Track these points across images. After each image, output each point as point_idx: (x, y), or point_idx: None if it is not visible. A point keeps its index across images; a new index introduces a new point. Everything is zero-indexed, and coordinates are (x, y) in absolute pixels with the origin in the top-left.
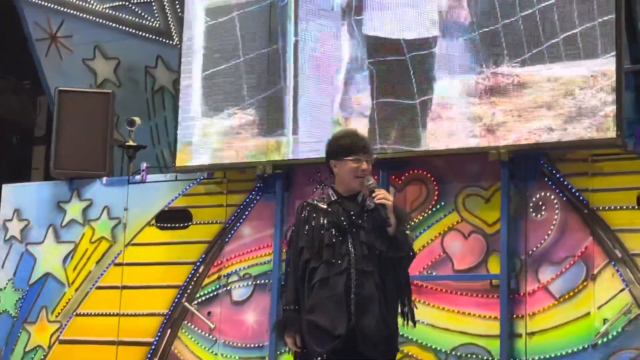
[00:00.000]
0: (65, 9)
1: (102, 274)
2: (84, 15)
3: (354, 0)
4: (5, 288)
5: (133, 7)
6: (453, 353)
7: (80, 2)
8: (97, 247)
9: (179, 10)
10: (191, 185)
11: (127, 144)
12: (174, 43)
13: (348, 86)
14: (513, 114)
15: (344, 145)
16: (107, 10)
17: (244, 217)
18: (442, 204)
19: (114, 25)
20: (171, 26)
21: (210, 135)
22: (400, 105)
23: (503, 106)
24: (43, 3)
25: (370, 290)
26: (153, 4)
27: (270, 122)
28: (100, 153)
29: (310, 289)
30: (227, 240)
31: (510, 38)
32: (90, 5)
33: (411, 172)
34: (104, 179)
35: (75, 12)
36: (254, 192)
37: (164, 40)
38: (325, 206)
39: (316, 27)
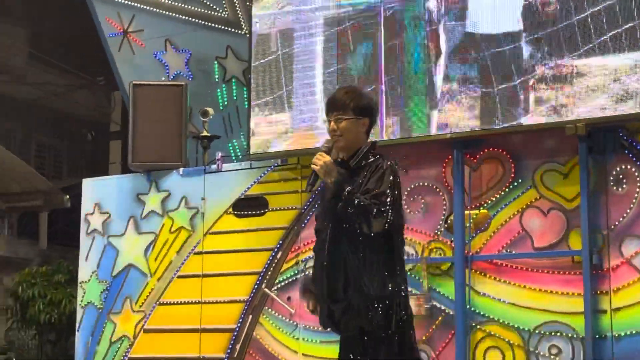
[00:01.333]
0: (136, 4)
1: (182, 263)
2: (154, 9)
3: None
4: (89, 280)
5: None
6: (537, 331)
7: None
8: (176, 237)
9: (247, 0)
10: (266, 172)
11: (201, 134)
12: (243, 32)
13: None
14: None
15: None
16: (176, 3)
17: (319, 202)
18: (520, 181)
19: (183, 17)
20: (240, 16)
21: (291, 124)
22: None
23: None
24: None
25: (338, 256)
26: None
27: None
28: (175, 144)
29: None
30: (303, 225)
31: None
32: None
33: (486, 150)
34: (181, 169)
35: (145, 7)
36: None
37: (233, 30)
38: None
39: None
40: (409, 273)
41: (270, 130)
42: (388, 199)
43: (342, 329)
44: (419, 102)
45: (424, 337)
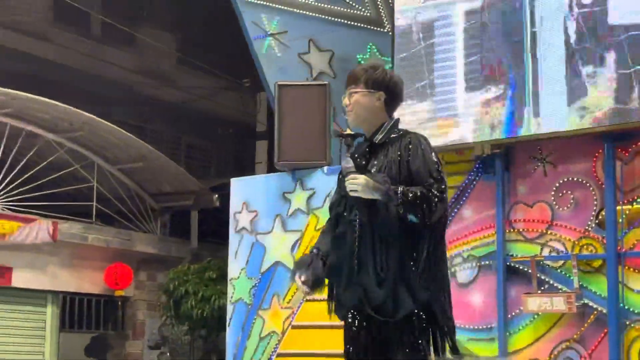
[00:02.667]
0: (280, 6)
1: None
2: (297, 11)
3: None
4: (239, 277)
5: None
6: None
7: None
8: None
9: None
10: None
11: (345, 132)
12: (386, 30)
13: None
14: None
15: None
16: (319, 4)
17: (464, 198)
18: None
19: (326, 17)
20: (382, 13)
21: (426, 117)
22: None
23: None
24: (259, 2)
25: (369, 243)
26: None
27: (486, 101)
28: (320, 143)
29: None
30: (448, 222)
31: None
32: (303, 0)
33: (638, 143)
34: (325, 168)
35: (288, 8)
36: (472, 173)
37: (375, 28)
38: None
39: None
40: (558, 270)
41: (412, 119)
42: (443, 185)
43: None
44: (566, 93)
45: (575, 336)
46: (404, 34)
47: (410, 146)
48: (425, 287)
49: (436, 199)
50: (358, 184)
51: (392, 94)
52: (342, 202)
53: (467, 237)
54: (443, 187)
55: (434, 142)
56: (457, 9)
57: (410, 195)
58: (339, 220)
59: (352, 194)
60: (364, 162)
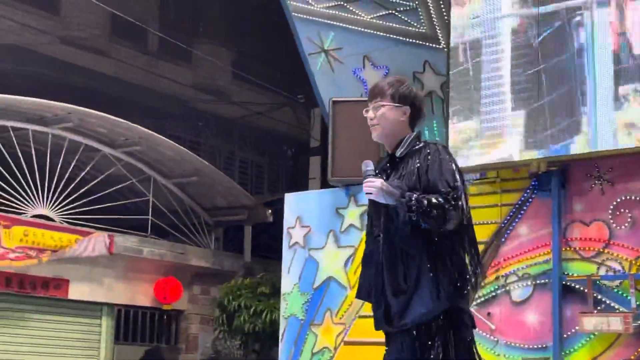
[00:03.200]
0: (335, 22)
1: None
2: (353, 27)
3: None
4: (291, 292)
5: (399, 15)
6: None
7: (349, 15)
8: None
9: (444, 14)
10: None
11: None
12: (441, 47)
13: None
14: None
15: None
16: (374, 20)
17: (520, 216)
18: None
19: (381, 34)
20: (437, 30)
21: (481, 135)
22: None
23: None
24: (314, 18)
25: (391, 257)
26: (419, 10)
27: (543, 121)
28: (373, 159)
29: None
30: (503, 240)
31: None
32: (359, 17)
33: None
34: None
35: (344, 25)
36: (528, 190)
37: (430, 44)
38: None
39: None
40: (615, 290)
41: (460, 138)
42: (459, 192)
43: (396, 324)
44: (621, 112)
45: (632, 357)
46: (455, 51)
47: (429, 156)
48: (444, 296)
49: (450, 207)
50: (374, 187)
51: (417, 109)
52: (368, 218)
53: (522, 255)
54: (458, 194)
55: (484, 159)
56: (505, 26)
57: (425, 202)
58: (367, 239)
59: (367, 196)
60: (384, 177)
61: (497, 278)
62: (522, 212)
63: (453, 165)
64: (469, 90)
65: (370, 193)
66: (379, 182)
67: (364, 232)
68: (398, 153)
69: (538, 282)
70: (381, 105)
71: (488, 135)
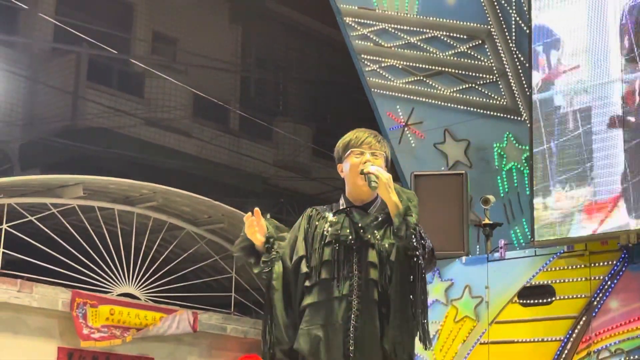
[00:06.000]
0: (415, 97)
1: (468, 354)
2: (433, 101)
3: None
4: None
5: (480, 88)
6: None
7: (429, 90)
8: (461, 327)
9: (525, 86)
10: (552, 259)
11: (483, 222)
12: (523, 119)
13: None
14: None
15: (345, 142)
16: (455, 94)
17: (610, 289)
18: None
19: (462, 107)
20: (518, 103)
21: (567, 207)
22: None
23: None
24: (393, 94)
25: (373, 323)
26: (499, 82)
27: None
28: (457, 233)
29: (300, 312)
30: (594, 314)
31: None
32: (439, 91)
33: None
34: (463, 258)
35: (424, 99)
36: (619, 263)
37: (511, 117)
38: (330, 214)
39: None
40: None
41: (555, 215)
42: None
43: None
44: None
45: None
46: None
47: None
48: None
49: (432, 249)
50: (384, 173)
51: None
52: (317, 263)
53: (614, 330)
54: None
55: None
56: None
57: (420, 230)
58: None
59: (372, 184)
60: (368, 236)
61: (588, 354)
62: (612, 285)
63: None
64: (575, 158)
65: (377, 173)
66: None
67: (450, 307)
68: (372, 210)
69: (632, 357)
70: (380, 155)
71: (583, 208)
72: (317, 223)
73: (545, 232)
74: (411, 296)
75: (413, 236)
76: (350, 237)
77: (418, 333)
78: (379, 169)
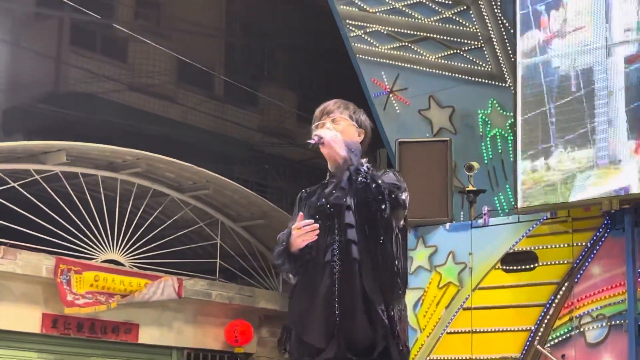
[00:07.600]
0: (400, 63)
1: (451, 319)
2: (418, 67)
3: None
4: None
5: (464, 54)
6: None
7: (414, 55)
8: (445, 293)
9: (510, 52)
10: (535, 226)
11: (467, 189)
12: (507, 85)
13: None
14: None
15: (313, 117)
16: (439, 60)
17: (592, 255)
18: None
19: (446, 74)
20: (503, 69)
21: (551, 173)
22: None
23: None
24: (378, 60)
25: (355, 283)
26: (484, 49)
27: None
28: (441, 200)
29: (291, 292)
30: (576, 280)
31: None
32: (423, 57)
33: None
34: (447, 224)
35: (409, 65)
36: (601, 229)
37: (496, 83)
38: (316, 189)
39: None
40: None
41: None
42: (404, 193)
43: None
44: None
45: None
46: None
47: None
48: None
49: (399, 192)
50: (325, 133)
51: (367, 138)
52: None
53: (596, 296)
54: (404, 193)
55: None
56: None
57: (377, 178)
58: (300, 261)
59: (319, 141)
60: (344, 200)
61: (570, 319)
62: (594, 251)
63: (398, 176)
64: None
65: (324, 135)
66: (335, 132)
67: (434, 273)
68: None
69: (613, 323)
70: (342, 119)
71: (566, 173)
72: (306, 202)
73: (549, 191)
74: (380, 240)
75: (365, 182)
76: (328, 205)
77: (395, 280)
78: (322, 131)
